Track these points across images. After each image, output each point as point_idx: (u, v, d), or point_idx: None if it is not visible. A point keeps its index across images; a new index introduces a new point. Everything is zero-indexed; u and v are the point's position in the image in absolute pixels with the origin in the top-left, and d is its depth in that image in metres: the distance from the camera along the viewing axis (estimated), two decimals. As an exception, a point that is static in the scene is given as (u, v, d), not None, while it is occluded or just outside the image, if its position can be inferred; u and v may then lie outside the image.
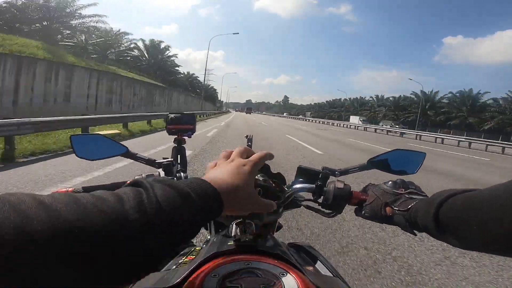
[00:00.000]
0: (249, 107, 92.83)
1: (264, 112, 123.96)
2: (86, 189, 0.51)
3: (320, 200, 0.57)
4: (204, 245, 0.59)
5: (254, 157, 0.42)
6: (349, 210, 0.57)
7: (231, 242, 0.46)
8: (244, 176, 0.38)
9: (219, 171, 0.38)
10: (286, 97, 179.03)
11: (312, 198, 0.59)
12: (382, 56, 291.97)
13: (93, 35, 26.63)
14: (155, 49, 39.51)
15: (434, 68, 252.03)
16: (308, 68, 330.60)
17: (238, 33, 31.72)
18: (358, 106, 69.79)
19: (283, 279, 0.34)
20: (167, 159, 0.58)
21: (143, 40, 39.01)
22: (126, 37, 33.89)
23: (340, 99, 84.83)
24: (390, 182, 0.50)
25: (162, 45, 40.66)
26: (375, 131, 28.18)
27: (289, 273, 0.35)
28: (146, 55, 38.95)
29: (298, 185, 0.60)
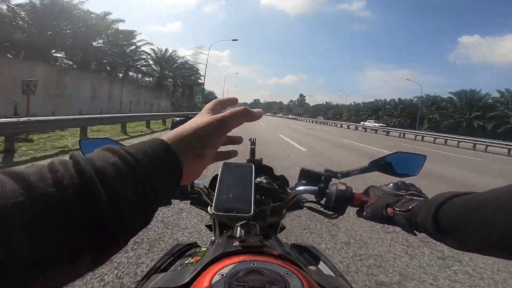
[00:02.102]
0: (251, 108, 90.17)
1: (279, 114, 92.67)
2: None
3: (322, 202, 0.58)
4: (209, 246, 0.60)
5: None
6: (350, 211, 0.57)
7: (236, 243, 0.47)
8: (197, 117, 0.34)
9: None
10: (302, 96, 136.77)
11: (314, 199, 0.60)
12: (394, 55, 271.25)
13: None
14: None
15: (449, 67, 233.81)
16: (315, 67, 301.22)
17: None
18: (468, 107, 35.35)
19: (288, 278, 0.35)
20: None
21: None
22: None
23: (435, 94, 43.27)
24: (391, 184, 0.51)
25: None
26: None
27: (294, 272, 0.37)
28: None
29: (301, 187, 0.62)
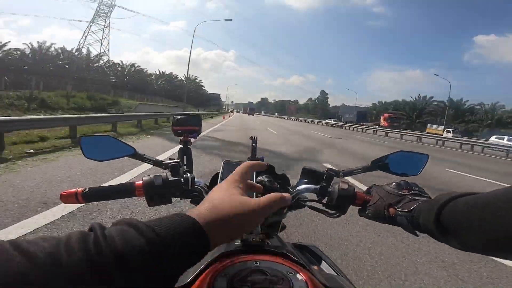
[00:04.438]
0: (251, 108, 75.48)
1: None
2: (92, 190, 0.51)
3: (324, 201, 0.58)
4: None
5: (245, 164, 0.38)
6: (352, 210, 0.57)
7: (238, 242, 0.46)
8: (224, 190, 0.33)
9: (207, 198, 0.33)
10: (324, 93, 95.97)
11: (316, 198, 0.59)
12: (405, 54, 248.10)
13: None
14: None
15: (463, 68, 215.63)
16: (323, 67, 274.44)
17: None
18: None
19: (292, 278, 0.35)
20: (174, 160, 0.59)
21: None
22: None
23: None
24: (394, 183, 0.51)
25: None
26: None
27: (297, 272, 0.36)
28: None
29: (302, 186, 0.61)
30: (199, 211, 0.29)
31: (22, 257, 0.19)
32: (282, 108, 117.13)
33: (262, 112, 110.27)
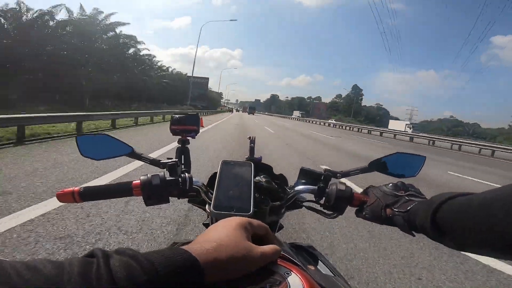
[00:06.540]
0: (251, 107, 69.20)
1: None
2: (89, 190, 0.51)
3: (321, 201, 0.58)
4: None
5: (254, 221, 0.38)
6: (349, 211, 0.57)
7: None
8: (232, 231, 0.34)
9: (211, 234, 0.34)
10: (357, 88, 76.53)
11: (314, 199, 0.60)
12: (419, 54, 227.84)
13: None
14: None
15: (480, 69, 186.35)
16: (331, 67, 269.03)
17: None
18: None
19: (288, 278, 0.35)
20: (172, 160, 0.59)
21: None
22: None
23: None
24: (391, 184, 0.51)
25: None
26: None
27: (294, 272, 0.36)
28: None
29: (300, 187, 0.61)
30: (203, 249, 0.30)
31: (21, 281, 0.19)
32: (300, 108, 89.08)
33: (296, 115, 70.20)
